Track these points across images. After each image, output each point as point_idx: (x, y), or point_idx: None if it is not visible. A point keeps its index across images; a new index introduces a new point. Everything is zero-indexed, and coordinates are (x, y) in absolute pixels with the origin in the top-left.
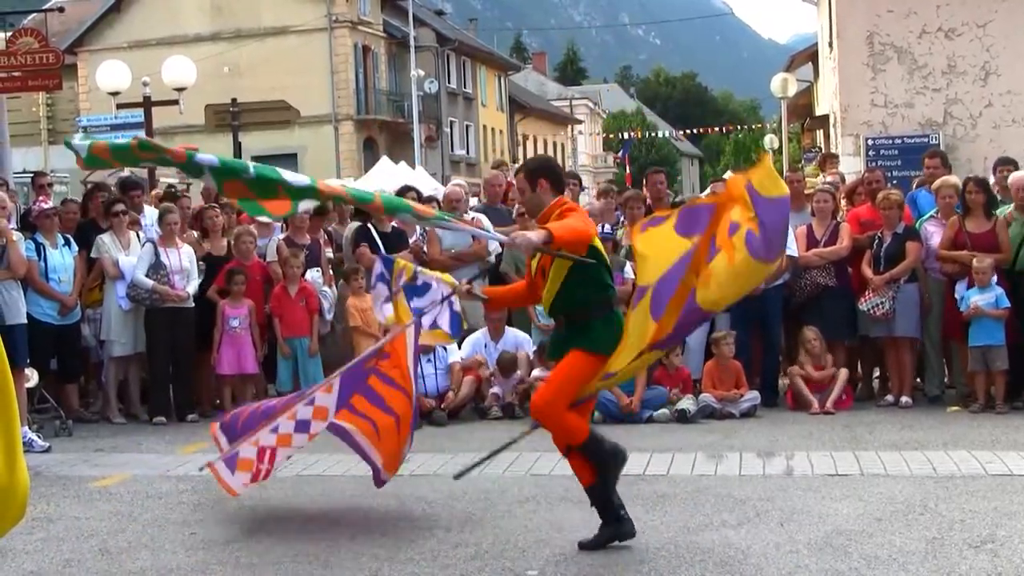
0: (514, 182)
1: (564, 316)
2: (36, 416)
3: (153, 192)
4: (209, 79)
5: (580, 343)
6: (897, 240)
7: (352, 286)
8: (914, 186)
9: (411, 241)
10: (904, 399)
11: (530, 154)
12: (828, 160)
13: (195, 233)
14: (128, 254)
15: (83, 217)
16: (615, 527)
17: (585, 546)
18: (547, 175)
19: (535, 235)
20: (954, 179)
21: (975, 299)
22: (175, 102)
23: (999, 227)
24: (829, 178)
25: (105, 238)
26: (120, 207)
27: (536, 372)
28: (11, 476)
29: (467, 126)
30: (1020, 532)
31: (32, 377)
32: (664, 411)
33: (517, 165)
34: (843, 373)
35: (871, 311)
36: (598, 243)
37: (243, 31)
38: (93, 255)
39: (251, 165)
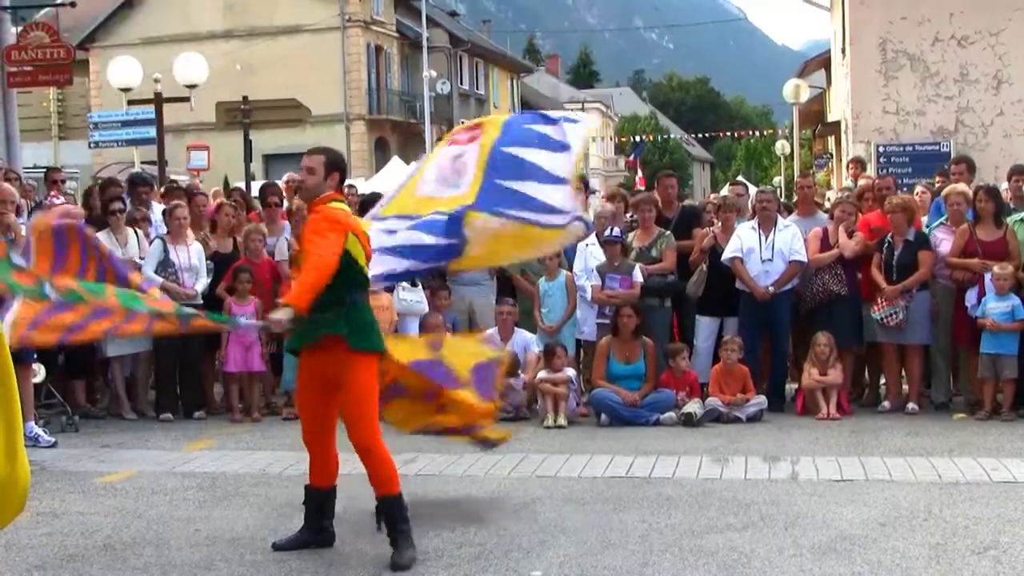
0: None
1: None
2: (42, 411)
3: (161, 189)
4: (221, 77)
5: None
6: (909, 248)
7: None
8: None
9: None
10: (911, 406)
11: None
12: (855, 165)
13: (206, 232)
14: (126, 252)
15: (88, 213)
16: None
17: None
18: (341, 173)
19: (283, 314)
20: (963, 187)
21: (992, 306)
22: (186, 99)
23: (1009, 235)
24: (861, 181)
25: (100, 236)
26: (118, 205)
27: (542, 374)
28: (11, 469)
29: None
30: (1023, 539)
31: (39, 372)
32: (670, 414)
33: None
34: (840, 379)
35: (885, 320)
36: (352, 243)
37: (256, 29)
38: None
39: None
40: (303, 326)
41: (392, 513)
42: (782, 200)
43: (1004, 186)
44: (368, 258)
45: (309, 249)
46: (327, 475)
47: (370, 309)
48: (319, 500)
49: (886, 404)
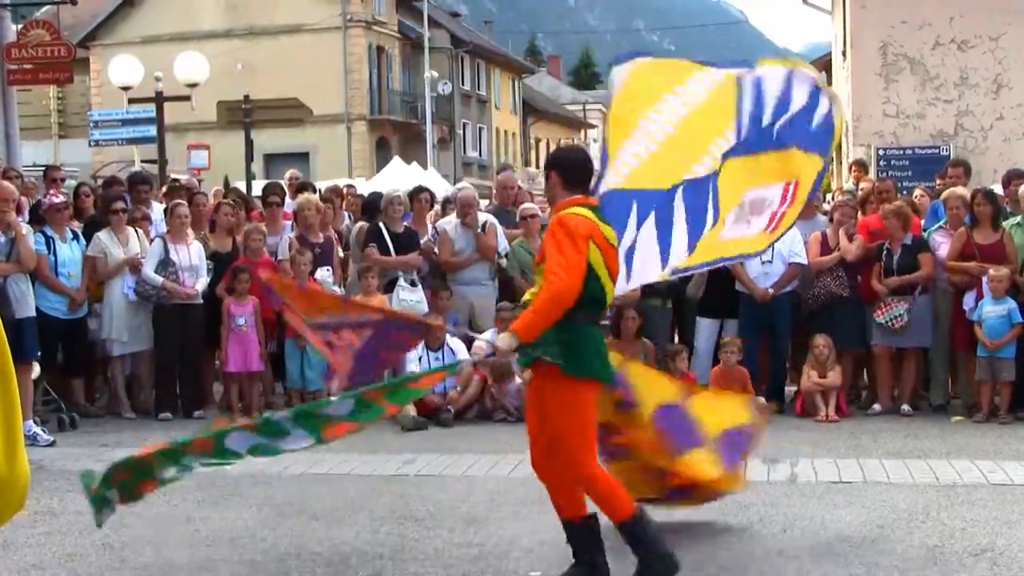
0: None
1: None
2: (40, 409)
3: (163, 188)
4: (222, 76)
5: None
6: (908, 252)
7: (363, 285)
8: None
9: (422, 242)
10: (905, 407)
11: (542, 158)
12: (857, 167)
13: (205, 232)
14: (126, 251)
15: (78, 214)
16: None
17: None
18: (558, 169)
19: (507, 343)
20: (961, 190)
21: (988, 310)
22: (187, 98)
23: (1006, 238)
24: (864, 184)
25: (102, 235)
26: (119, 205)
27: None
28: (11, 467)
29: (480, 128)
30: (1019, 541)
31: (34, 371)
32: None
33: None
34: (839, 381)
35: (890, 323)
36: (595, 258)
37: (257, 28)
38: (89, 252)
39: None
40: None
41: (632, 538)
42: None
43: (1001, 191)
44: (613, 271)
45: (549, 268)
46: (572, 505)
47: (596, 329)
48: (578, 534)
49: (876, 407)
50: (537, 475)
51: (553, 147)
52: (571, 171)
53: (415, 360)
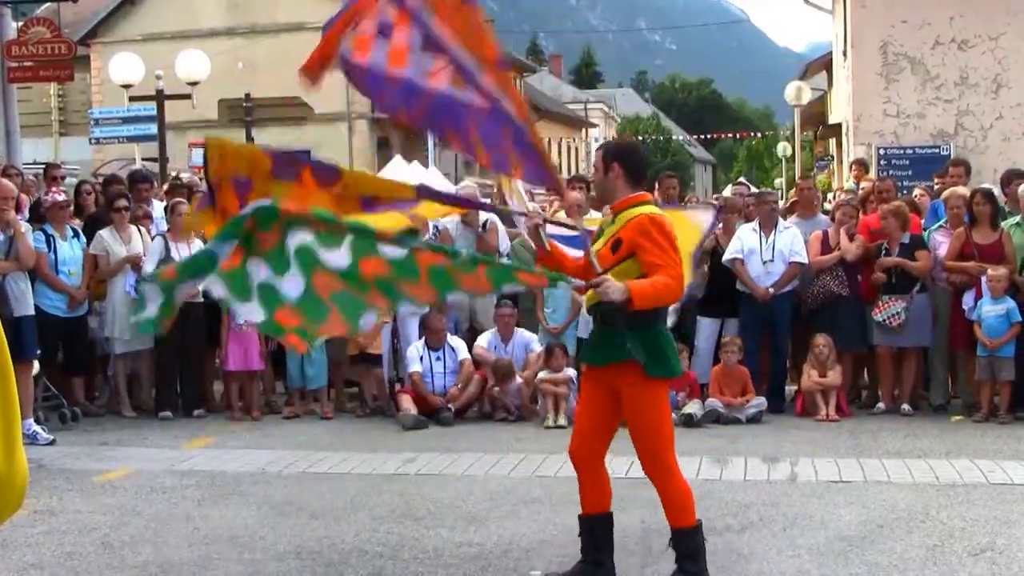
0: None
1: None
2: (40, 405)
3: (164, 186)
4: (223, 74)
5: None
6: (905, 251)
7: None
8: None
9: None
10: (905, 407)
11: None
12: (857, 167)
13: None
14: (129, 249)
15: (79, 211)
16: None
17: None
18: (622, 161)
19: (616, 289)
20: (962, 190)
21: (987, 309)
22: (188, 96)
23: (1005, 238)
24: (864, 184)
25: (104, 233)
26: (123, 202)
27: (542, 374)
28: (10, 466)
29: None
30: (1019, 540)
31: (33, 368)
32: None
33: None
34: (839, 380)
35: (887, 321)
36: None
37: (258, 27)
38: (92, 251)
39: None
40: (600, 340)
41: (684, 546)
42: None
43: (998, 191)
44: None
45: (663, 262)
46: (599, 500)
47: (666, 329)
48: (592, 529)
49: (881, 406)
50: (574, 464)
51: (555, 146)
52: (635, 165)
53: (416, 359)
